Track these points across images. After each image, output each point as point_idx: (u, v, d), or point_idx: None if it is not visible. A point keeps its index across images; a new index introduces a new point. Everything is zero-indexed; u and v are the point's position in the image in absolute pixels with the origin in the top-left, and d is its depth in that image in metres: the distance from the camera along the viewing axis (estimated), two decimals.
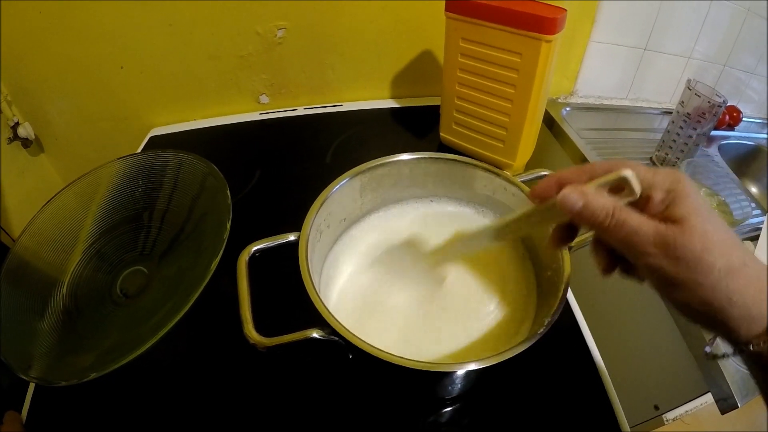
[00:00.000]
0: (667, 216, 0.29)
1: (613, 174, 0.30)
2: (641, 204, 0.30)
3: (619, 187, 0.30)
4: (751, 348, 0.28)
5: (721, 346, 0.57)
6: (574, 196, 0.30)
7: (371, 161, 0.52)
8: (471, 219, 0.57)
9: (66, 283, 0.58)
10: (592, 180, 0.32)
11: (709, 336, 0.59)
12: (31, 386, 0.51)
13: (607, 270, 0.34)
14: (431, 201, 0.59)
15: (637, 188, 0.29)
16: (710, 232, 0.28)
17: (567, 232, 0.36)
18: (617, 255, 0.33)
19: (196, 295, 0.48)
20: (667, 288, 0.30)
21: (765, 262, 0.30)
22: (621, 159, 0.33)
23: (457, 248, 0.49)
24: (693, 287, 0.28)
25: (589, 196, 0.30)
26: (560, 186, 0.32)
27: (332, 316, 0.38)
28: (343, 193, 0.50)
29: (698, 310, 0.29)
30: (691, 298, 0.29)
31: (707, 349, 0.58)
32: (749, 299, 0.28)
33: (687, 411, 0.59)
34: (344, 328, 0.37)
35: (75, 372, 0.45)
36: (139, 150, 0.83)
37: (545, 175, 0.53)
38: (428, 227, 0.56)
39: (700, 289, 0.28)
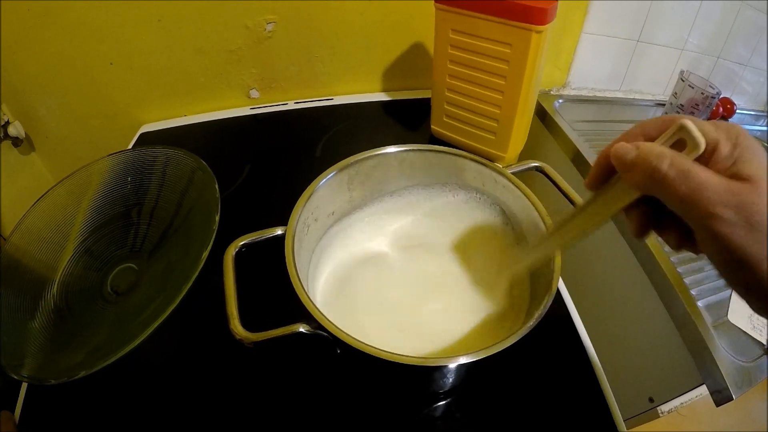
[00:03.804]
0: (734, 173, 0.24)
1: (671, 128, 0.26)
2: (703, 161, 0.26)
3: (680, 145, 0.26)
4: None
5: None
6: (627, 145, 0.27)
7: (358, 154, 0.51)
8: (468, 208, 0.56)
9: (57, 282, 0.58)
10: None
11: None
12: (24, 386, 0.50)
13: (641, 232, 0.30)
14: (424, 190, 0.57)
15: (700, 139, 0.25)
16: None
17: (644, 214, 0.30)
18: (657, 218, 0.29)
19: (186, 288, 0.48)
20: (731, 265, 0.24)
21: None
22: (673, 114, 0.29)
23: (511, 264, 0.48)
24: (762, 265, 0.23)
25: (644, 144, 0.26)
26: (609, 160, 0.29)
27: (318, 310, 0.37)
28: (330, 186, 0.50)
29: (765, 296, 0.24)
30: (759, 281, 0.23)
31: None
32: None
33: (682, 403, 0.59)
34: (330, 322, 0.37)
35: (65, 370, 0.45)
36: (129, 147, 0.83)
37: (537, 166, 0.53)
38: (424, 220, 0.56)
39: None
